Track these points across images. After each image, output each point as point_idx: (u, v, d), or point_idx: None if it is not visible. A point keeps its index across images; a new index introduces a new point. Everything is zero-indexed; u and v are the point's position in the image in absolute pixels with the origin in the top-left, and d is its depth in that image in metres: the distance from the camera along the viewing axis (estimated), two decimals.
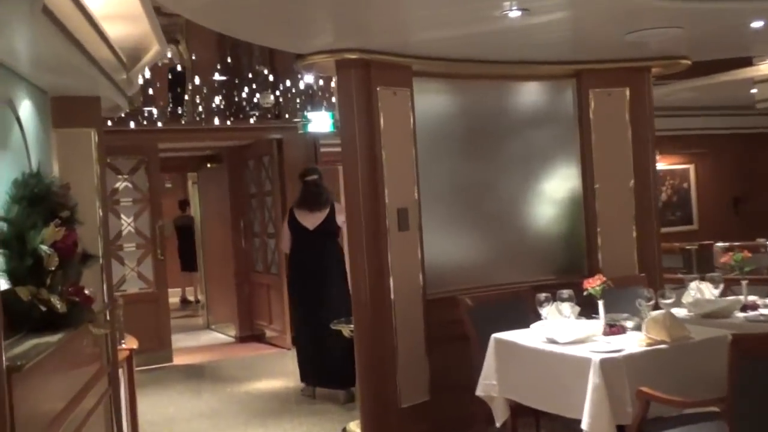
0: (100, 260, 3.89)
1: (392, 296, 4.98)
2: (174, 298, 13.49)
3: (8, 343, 2.60)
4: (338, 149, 5.12)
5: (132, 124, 8.06)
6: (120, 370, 4.77)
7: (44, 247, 2.78)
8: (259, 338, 9.50)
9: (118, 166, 8.37)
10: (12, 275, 2.75)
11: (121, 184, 8.39)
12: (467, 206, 5.43)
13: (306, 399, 6.51)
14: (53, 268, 2.85)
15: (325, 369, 6.30)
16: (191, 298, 13.45)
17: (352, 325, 5.16)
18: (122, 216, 8.41)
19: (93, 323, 3.05)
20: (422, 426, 4.94)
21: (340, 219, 6.19)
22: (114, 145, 7.94)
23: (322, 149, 9.24)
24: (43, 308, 2.77)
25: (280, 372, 7.67)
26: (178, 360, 8.56)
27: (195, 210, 11.44)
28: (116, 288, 8.16)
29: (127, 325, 7.94)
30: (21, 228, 2.76)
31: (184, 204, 12.80)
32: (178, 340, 9.65)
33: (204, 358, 8.80)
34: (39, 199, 2.96)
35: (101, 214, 3.91)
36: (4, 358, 1.96)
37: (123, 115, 7.64)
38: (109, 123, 7.65)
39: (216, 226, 10.44)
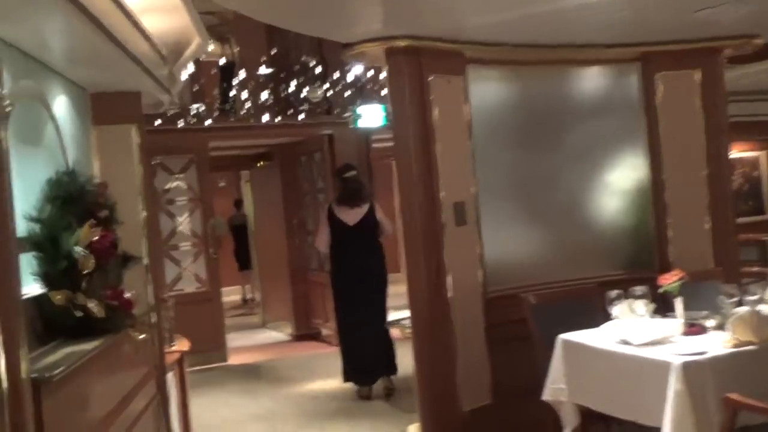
0: (144, 261, 3.76)
1: (450, 294, 4.74)
2: (235, 296, 13.51)
3: (42, 352, 2.45)
4: (390, 144, 4.92)
5: (180, 123, 7.98)
6: (170, 374, 4.64)
7: (79, 249, 2.62)
8: (315, 337, 9.36)
9: (170, 166, 8.30)
10: (46, 279, 2.61)
11: (173, 184, 8.32)
12: (528, 199, 5.14)
13: (363, 400, 6.32)
14: (89, 271, 2.70)
15: (376, 364, 6.29)
16: (250, 296, 13.43)
17: (408, 324, 4.94)
18: (176, 215, 8.34)
19: (134, 328, 2.89)
20: (485, 431, 4.69)
21: (379, 215, 6.32)
22: (164, 144, 7.89)
23: (374, 145, 9.04)
24: (80, 314, 2.63)
25: (336, 372, 7.46)
26: (234, 360, 8.46)
27: (248, 208, 11.37)
28: (171, 288, 8.11)
29: (182, 325, 7.88)
30: (54, 229, 2.61)
31: (239, 203, 12.77)
32: (234, 339, 9.58)
33: (259, 357, 8.68)
34: (73, 198, 2.81)
35: (145, 212, 3.77)
36: (23, 371, 1.79)
37: (170, 113, 7.59)
38: (158, 122, 7.60)
39: (269, 224, 10.34)
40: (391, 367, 6.26)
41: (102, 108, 3.64)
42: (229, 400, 6.75)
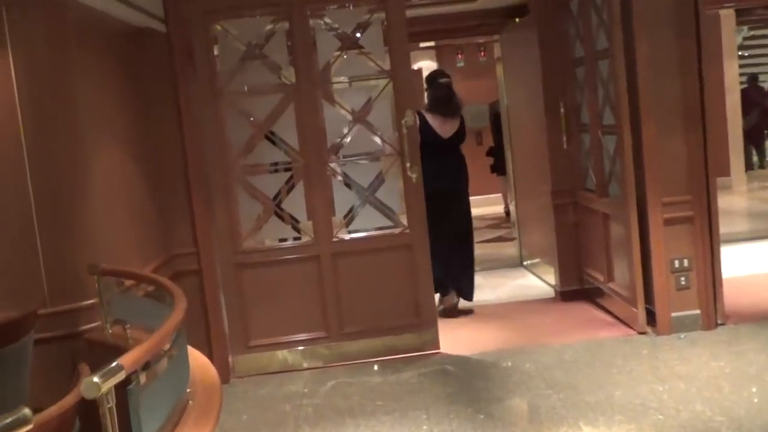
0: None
1: None
2: (493, 207, 10.47)
3: None
4: None
5: None
6: None
7: None
8: (589, 296, 5.86)
9: (338, 24, 5.01)
10: None
11: (344, 56, 5.01)
12: None
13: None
14: None
15: (457, 276, 5.87)
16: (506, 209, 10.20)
17: None
18: (352, 108, 5.09)
19: None
20: None
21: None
22: None
23: None
24: None
25: (621, 406, 3.96)
26: (450, 342, 5.16)
27: (500, 90, 7.79)
28: (347, 225, 5.04)
29: (362, 287, 4.86)
30: None
31: None
32: (476, 283, 6.18)
33: (498, 338, 5.31)
34: None
35: None
36: None
37: None
38: None
39: (524, 113, 6.78)
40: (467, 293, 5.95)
41: None
42: None
